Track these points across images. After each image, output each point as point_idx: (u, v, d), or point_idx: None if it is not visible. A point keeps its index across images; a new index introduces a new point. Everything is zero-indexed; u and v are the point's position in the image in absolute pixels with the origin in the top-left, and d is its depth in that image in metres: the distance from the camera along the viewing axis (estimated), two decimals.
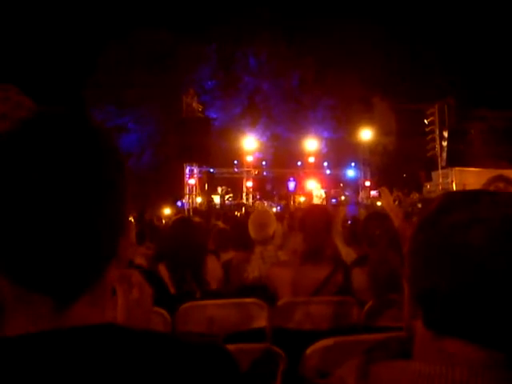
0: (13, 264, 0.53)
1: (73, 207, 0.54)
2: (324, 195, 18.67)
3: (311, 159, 19.84)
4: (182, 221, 2.68)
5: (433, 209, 0.65)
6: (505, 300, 0.56)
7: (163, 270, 2.37)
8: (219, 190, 18.88)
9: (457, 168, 15.50)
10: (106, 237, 0.57)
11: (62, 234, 0.53)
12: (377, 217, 2.68)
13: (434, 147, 17.57)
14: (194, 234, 2.48)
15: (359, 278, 2.27)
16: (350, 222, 4.89)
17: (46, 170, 0.53)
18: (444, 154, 16.95)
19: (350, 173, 20.91)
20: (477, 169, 14.49)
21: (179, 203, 17.24)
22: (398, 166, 19.77)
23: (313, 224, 2.40)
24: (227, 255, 3.30)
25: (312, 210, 2.79)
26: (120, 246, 0.60)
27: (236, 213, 12.12)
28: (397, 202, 14.55)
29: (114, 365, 0.53)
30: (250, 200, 18.73)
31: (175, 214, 10.58)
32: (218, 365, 0.58)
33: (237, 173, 19.76)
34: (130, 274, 0.83)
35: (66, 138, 0.56)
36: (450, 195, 0.67)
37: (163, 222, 8.87)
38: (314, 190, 18.94)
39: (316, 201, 17.85)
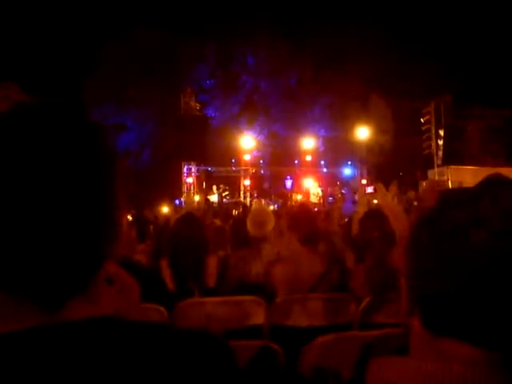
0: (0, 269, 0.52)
1: (61, 214, 0.52)
2: (321, 193, 18.69)
3: (308, 157, 19.83)
4: (188, 218, 2.67)
5: (433, 207, 0.64)
6: (505, 303, 0.56)
7: (165, 267, 2.38)
8: (214, 188, 18.83)
9: (452, 166, 15.52)
10: (96, 243, 0.55)
11: (50, 240, 0.51)
12: (373, 216, 2.68)
13: (430, 145, 17.59)
14: (198, 232, 2.48)
15: (356, 275, 2.29)
16: (346, 220, 4.89)
17: (30, 171, 0.51)
18: (440, 153, 16.97)
19: (347, 171, 20.92)
20: (473, 167, 14.54)
21: (177, 201, 17.22)
22: (394, 164, 19.76)
23: (305, 214, 2.44)
24: (222, 253, 3.31)
25: (303, 205, 2.89)
26: (112, 249, 0.58)
27: (234, 211, 12.10)
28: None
29: (106, 356, 0.51)
30: (248, 198, 18.72)
31: (175, 211, 10.56)
32: (215, 355, 0.57)
33: (234, 171, 19.72)
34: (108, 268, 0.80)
35: (52, 133, 0.54)
36: (450, 193, 0.66)
37: (157, 219, 8.85)
38: (311, 188, 18.96)
39: (313, 199, 17.86)
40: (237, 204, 16.14)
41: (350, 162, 21.06)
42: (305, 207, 2.71)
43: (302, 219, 2.44)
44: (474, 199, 0.60)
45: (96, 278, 0.57)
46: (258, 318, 2.17)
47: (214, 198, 18.58)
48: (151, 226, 5.16)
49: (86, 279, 0.55)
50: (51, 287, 0.53)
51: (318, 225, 2.50)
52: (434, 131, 17.34)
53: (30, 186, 0.51)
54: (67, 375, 0.50)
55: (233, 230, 3.54)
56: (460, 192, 0.65)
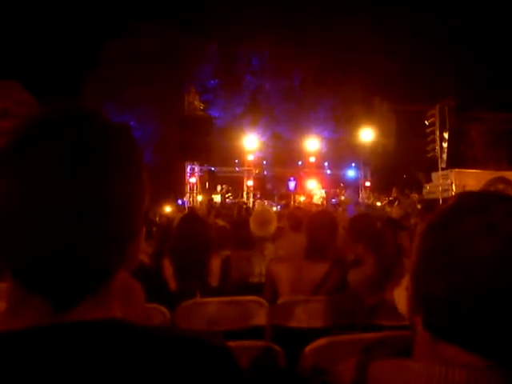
0: (17, 266, 0.53)
1: (82, 216, 0.52)
2: (324, 194, 18.65)
3: (312, 159, 19.80)
4: (191, 218, 2.65)
5: (446, 211, 0.64)
6: (504, 313, 0.56)
7: (168, 267, 2.38)
8: (218, 188, 18.87)
9: (456, 169, 15.47)
10: (115, 246, 0.55)
11: (68, 240, 0.52)
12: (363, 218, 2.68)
13: (435, 148, 17.53)
14: (201, 232, 2.48)
15: (356, 278, 2.29)
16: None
17: (55, 170, 0.52)
18: (444, 156, 16.92)
19: (351, 173, 20.88)
20: (476, 170, 14.49)
21: (180, 201, 17.24)
22: (398, 166, 19.72)
23: (316, 224, 2.41)
24: (225, 253, 3.31)
25: (317, 212, 2.82)
26: (129, 252, 0.58)
27: (235, 211, 12.08)
28: (396, 203, 14.55)
29: (107, 358, 0.52)
30: (251, 199, 18.72)
31: (178, 211, 10.56)
32: (219, 361, 0.57)
33: (237, 172, 19.73)
34: None
35: (78, 136, 0.54)
36: (464, 198, 0.65)
37: (160, 219, 8.84)
38: (314, 189, 18.93)
39: (316, 200, 17.85)
40: (239, 204, 16.14)
41: (353, 164, 21.02)
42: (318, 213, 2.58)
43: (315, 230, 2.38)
44: (487, 205, 0.60)
45: (110, 281, 0.57)
46: (261, 318, 2.17)
47: (217, 198, 18.60)
48: (154, 226, 5.16)
49: (100, 282, 0.56)
50: (65, 286, 0.53)
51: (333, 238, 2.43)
52: (438, 134, 17.28)
53: (56, 186, 0.51)
54: (67, 374, 0.50)
55: (233, 230, 3.55)
56: (473, 197, 0.64)
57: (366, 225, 2.48)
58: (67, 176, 0.52)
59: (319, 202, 17.59)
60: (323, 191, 18.98)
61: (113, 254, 0.56)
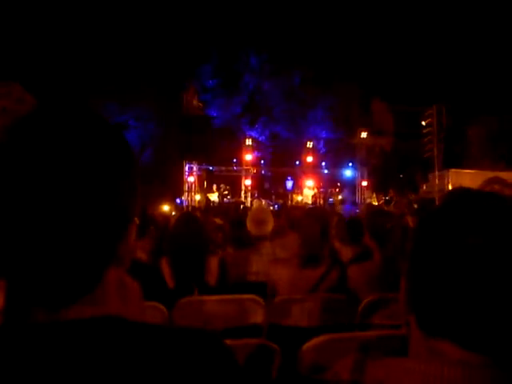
0: (7, 267, 0.53)
1: (70, 214, 0.51)
2: (313, 193, 18.66)
3: (309, 158, 19.81)
4: (188, 217, 2.65)
5: (437, 209, 0.65)
6: (495, 308, 0.56)
7: (165, 265, 2.38)
8: (214, 188, 18.84)
9: (453, 170, 15.51)
10: (104, 244, 0.55)
11: (57, 242, 0.51)
12: (383, 213, 2.69)
13: (431, 149, 17.57)
14: (199, 230, 2.47)
15: (356, 275, 2.29)
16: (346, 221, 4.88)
17: (44, 169, 0.51)
18: (441, 156, 16.97)
19: (348, 173, 20.91)
20: (473, 170, 14.52)
21: (178, 200, 17.23)
22: (394, 166, 19.77)
23: (308, 230, 2.39)
24: (221, 251, 3.31)
25: (308, 213, 2.72)
26: (120, 249, 0.58)
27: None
28: (393, 203, 14.59)
29: (106, 354, 0.52)
30: (249, 198, 18.72)
31: (176, 210, 10.56)
32: (215, 355, 0.57)
33: (235, 171, 19.71)
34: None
35: (67, 134, 0.54)
36: (455, 196, 0.66)
37: (158, 217, 8.82)
38: (305, 189, 18.93)
39: (306, 200, 17.94)
40: (237, 204, 16.13)
41: (350, 164, 21.06)
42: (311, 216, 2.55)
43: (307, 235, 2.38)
44: (478, 205, 0.61)
45: (103, 280, 0.57)
46: (258, 316, 2.18)
47: (214, 197, 18.57)
48: (152, 223, 5.15)
49: (91, 281, 0.55)
50: (57, 287, 0.53)
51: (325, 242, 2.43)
52: (435, 134, 17.32)
53: (45, 186, 0.51)
54: (63, 371, 0.50)
55: (230, 229, 3.55)
56: (465, 196, 0.65)
57: (379, 220, 2.48)
58: (57, 176, 0.51)
59: (309, 201, 17.65)
60: (310, 191, 18.93)
61: (103, 254, 0.55)
